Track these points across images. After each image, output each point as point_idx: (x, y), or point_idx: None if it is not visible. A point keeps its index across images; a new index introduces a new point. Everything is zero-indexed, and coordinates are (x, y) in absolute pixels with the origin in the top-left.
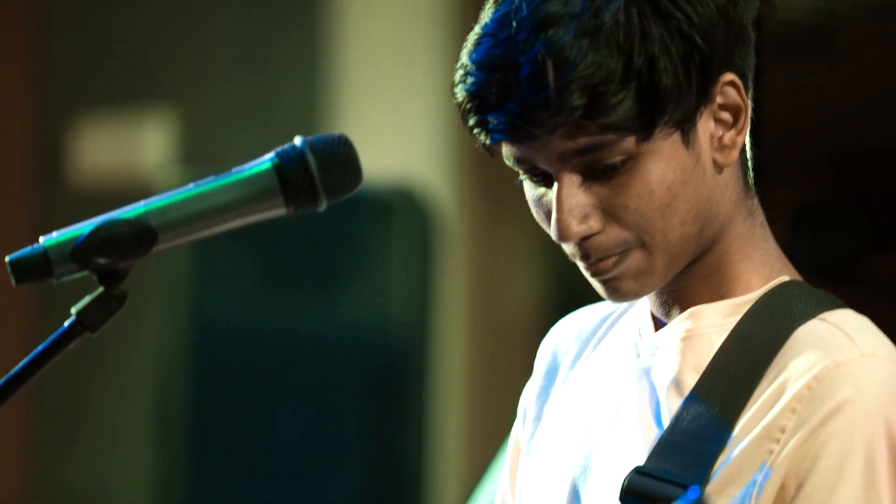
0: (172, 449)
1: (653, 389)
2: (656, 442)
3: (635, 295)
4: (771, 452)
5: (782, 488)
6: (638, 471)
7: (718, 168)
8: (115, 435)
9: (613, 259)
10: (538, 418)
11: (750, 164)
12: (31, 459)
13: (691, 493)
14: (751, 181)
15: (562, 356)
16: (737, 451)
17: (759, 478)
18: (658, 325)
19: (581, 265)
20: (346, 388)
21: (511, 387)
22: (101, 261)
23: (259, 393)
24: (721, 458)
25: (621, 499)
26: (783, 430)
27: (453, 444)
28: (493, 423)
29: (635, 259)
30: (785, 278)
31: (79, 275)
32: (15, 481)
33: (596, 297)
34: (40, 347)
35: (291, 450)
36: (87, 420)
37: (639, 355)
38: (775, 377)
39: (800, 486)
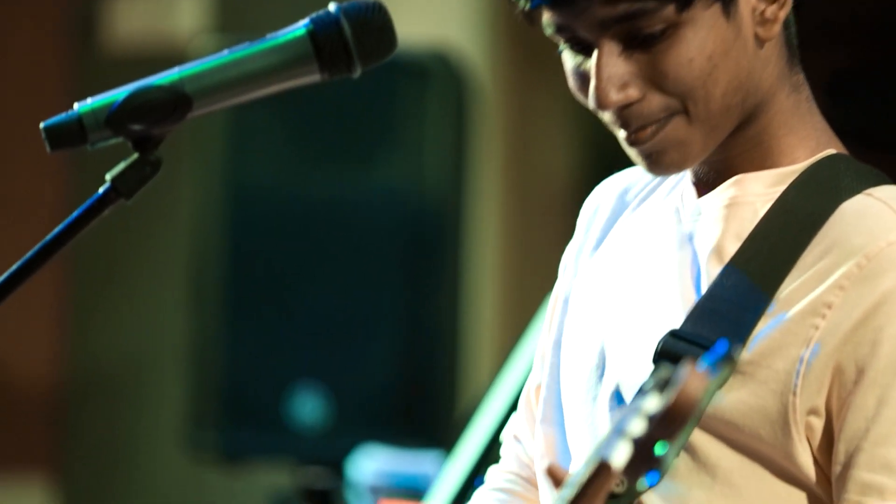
0: (208, 316)
1: (694, 255)
2: (693, 307)
3: (677, 167)
4: (816, 328)
5: (840, 371)
6: (673, 334)
7: (760, 42)
8: (151, 303)
9: (652, 128)
10: (576, 275)
11: (794, 40)
12: (67, 328)
13: (719, 347)
14: (796, 57)
15: (603, 215)
16: (778, 323)
17: (807, 354)
18: (701, 192)
19: (620, 135)
20: (381, 255)
21: (545, 253)
22: (136, 127)
23: (294, 260)
24: (760, 327)
25: (655, 360)
26: (829, 307)
27: (488, 311)
28: (527, 288)
29: (675, 128)
30: (831, 151)
31: (113, 141)
32: (50, 350)
33: (632, 164)
34: (75, 214)
35: (326, 316)
36: (122, 288)
37: (680, 221)
38: (820, 251)
39: (861, 372)
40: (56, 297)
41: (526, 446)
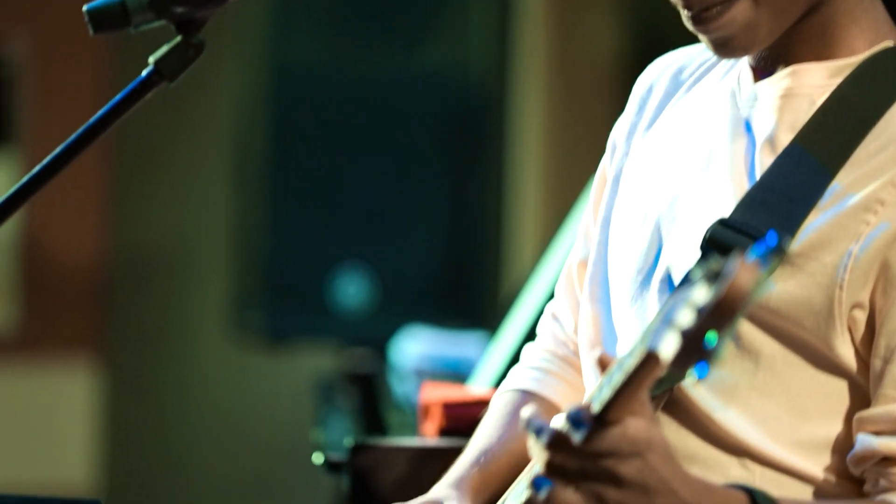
0: (252, 198)
1: (748, 143)
2: (744, 196)
3: (743, 50)
4: (867, 224)
5: (886, 268)
6: (722, 222)
7: None
8: (195, 185)
9: (717, 8)
10: (627, 154)
11: None
12: (111, 211)
13: (770, 239)
14: None
15: (657, 94)
16: (829, 216)
17: (856, 249)
18: (758, 76)
19: (684, 15)
20: (425, 136)
21: (589, 134)
22: (179, 9)
23: (338, 141)
24: (811, 219)
25: (702, 248)
26: (882, 203)
27: (531, 192)
28: (571, 169)
29: (740, 9)
30: (889, 44)
31: (156, 24)
32: (95, 233)
33: (681, 44)
34: (118, 97)
35: (370, 198)
36: (166, 171)
37: (736, 105)
38: (876, 147)
39: None
40: (101, 179)
41: (564, 324)
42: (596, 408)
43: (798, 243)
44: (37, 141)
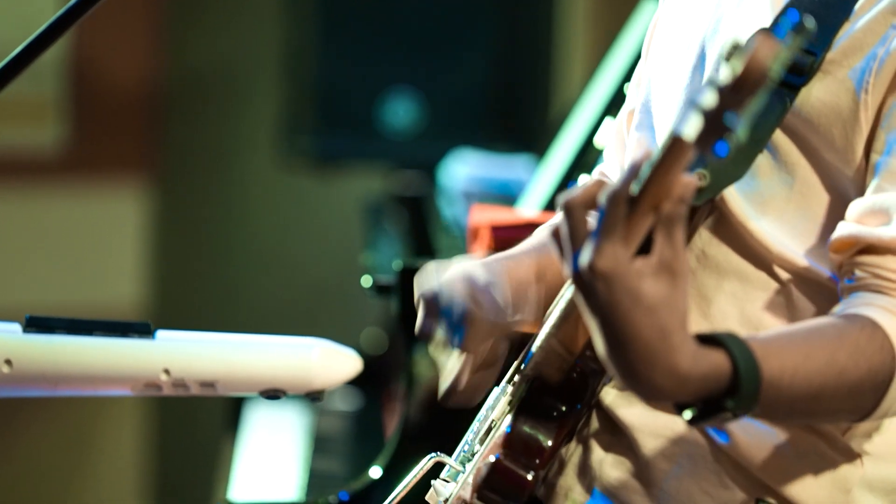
0: (303, 21)
1: None
2: (783, 6)
3: None
4: (894, 27)
5: None
6: (762, 31)
7: None
8: (246, 8)
9: None
10: None
11: None
12: (163, 33)
13: (791, 15)
14: None
15: None
16: (861, 23)
17: (881, 51)
18: None
19: None
20: None
21: None
22: None
23: None
24: (845, 28)
25: None
26: None
27: (581, 13)
28: None
29: None
30: None
31: None
32: (146, 55)
33: None
34: None
35: (420, 20)
36: None
37: None
38: None
39: None
40: (148, 7)
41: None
42: (636, 188)
43: (833, 51)
44: None
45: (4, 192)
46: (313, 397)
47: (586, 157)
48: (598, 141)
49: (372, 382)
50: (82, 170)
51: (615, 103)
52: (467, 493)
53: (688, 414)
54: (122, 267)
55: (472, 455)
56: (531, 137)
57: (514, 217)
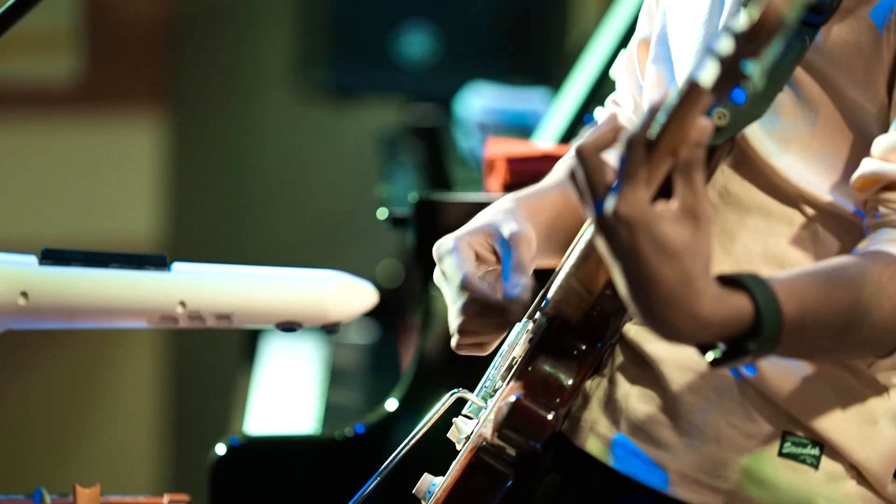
0: None
1: None
2: None
3: None
4: None
5: None
6: None
7: None
8: None
9: None
10: None
11: None
12: None
13: None
14: None
15: None
16: None
17: None
18: None
19: None
20: None
21: None
22: None
23: None
24: None
25: None
26: None
27: None
28: None
29: None
30: None
31: None
32: None
33: None
34: None
35: None
36: None
37: None
38: None
39: None
40: None
41: (625, 108)
42: (654, 131)
43: None
44: None
45: (19, 125)
46: (329, 330)
47: (602, 89)
48: (613, 73)
49: (388, 315)
50: (97, 101)
51: (631, 35)
52: (488, 432)
53: (710, 356)
54: (137, 199)
55: (495, 391)
56: (547, 69)
57: (530, 149)
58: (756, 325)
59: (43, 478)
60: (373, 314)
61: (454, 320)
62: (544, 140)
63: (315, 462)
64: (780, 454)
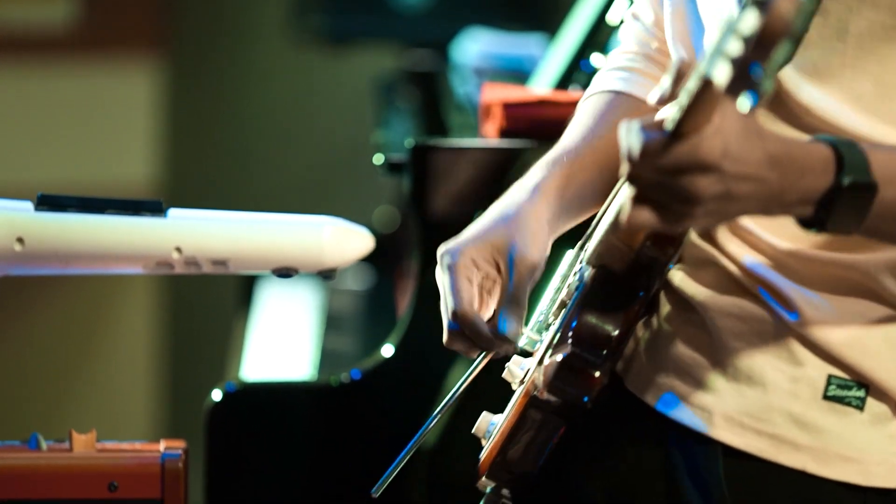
0: None
1: None
2: None
3: None
4: None
5: None
6: None
7: None
8: None
9: None
10: None
11: None
12: None
13: None
14: None
15: None
16: None
17: None
18: None
19: None
20: None
21: None
22: None
23: None
24: None
25: None
26: None
27: None
28: None
29: None
30: None
31: None
32: None
33: None
34: None
35: None
36: None
37: None
38: None
39: None
40: None
41: (645, 21)
42: (669, 126)
43: None
44: None
45: (16, 70)
46: (325, 275)
47: (598, 34)
48: (610, 18)
49: (384, 261)
50: (93, 47)
51: None
52: (540, 381)
53: (812, 222)
54: (133, 145)
55: (548, 326)
56: (543, 15)
57: (527, 94)
58: (837, 157)
59: (39, 424)
60: (369, 260)
61: (444, 334)
62: (541, 85)
63: (311, 408)
64: (825, 397)
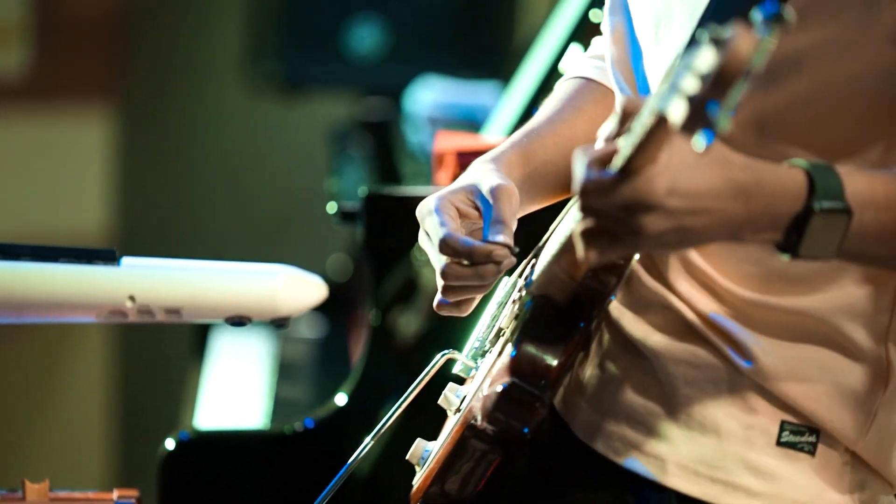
0: None
1: None
2: None
3: None
4: None
5: None
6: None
7: None
8: None
9: None
10: None
11: None
12: None
13: (770, 6)
14: None
15: None
16: None
17: None
18: None
19: None
20: None
21: None
22: None
23: None
24: None
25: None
26: None
27: None
28: None
29: None
30: None
31: None
32: None
33: None
34: None
35: None
36: None
37: None
38: None
39: None
40: None
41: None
42: (618, 163)
43: None
44: None
45: None
46: (279, 324)
47: (551, 82)
48: (563, 67)
49: (337, 309)
50: (46, 94)
51: (580, 29)
52: (478, 411)
53: (786, 247)
54: (86, 193)
55: (484, 353)
56: (496, 63)
57: (480, 143)
58: (809, 182)
59: None
60: (322, 308)
61: (438, 279)
62: (493, 134)
63: (265, 456)
64: (779, 443)
